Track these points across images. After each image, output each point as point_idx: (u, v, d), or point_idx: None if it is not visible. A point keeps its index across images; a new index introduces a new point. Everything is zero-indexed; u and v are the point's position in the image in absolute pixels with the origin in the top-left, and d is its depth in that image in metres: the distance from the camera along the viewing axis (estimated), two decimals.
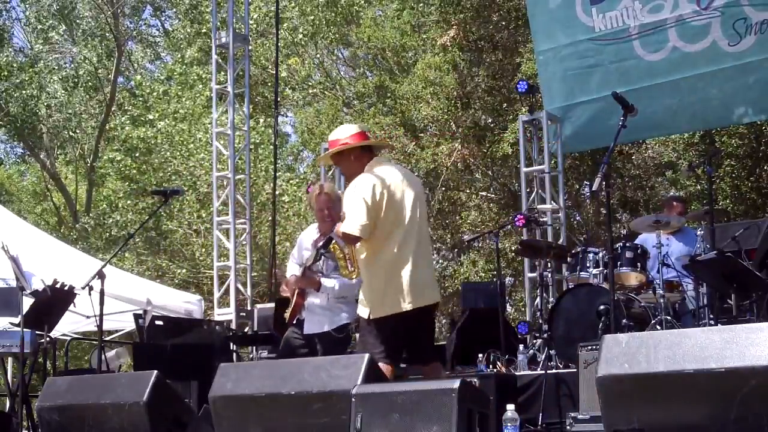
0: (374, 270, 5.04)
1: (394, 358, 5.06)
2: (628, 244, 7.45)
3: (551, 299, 8.10)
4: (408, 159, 15.36)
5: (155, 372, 5.16)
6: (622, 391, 3.81)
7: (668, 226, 7.49)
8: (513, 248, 12.69)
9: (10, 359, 9.14)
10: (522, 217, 8.44)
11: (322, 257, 5.59)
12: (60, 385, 5.54)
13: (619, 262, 7.29)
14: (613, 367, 3.83)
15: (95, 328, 6.78)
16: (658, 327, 6.63)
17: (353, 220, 4.94)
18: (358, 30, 18.14)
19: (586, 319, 6.76)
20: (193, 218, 17.65)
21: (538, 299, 8.44)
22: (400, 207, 5.05)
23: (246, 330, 9.61)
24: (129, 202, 18.89)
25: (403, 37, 17.30)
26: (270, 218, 16.18)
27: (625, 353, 3.83)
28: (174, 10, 23.52)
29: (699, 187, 13.20)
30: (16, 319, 6.91)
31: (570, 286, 7.69)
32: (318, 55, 20.41)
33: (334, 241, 5.18)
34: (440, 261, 17.50)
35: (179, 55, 21.56)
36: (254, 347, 9.37)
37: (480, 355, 7.14)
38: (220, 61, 10.92)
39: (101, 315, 6.23)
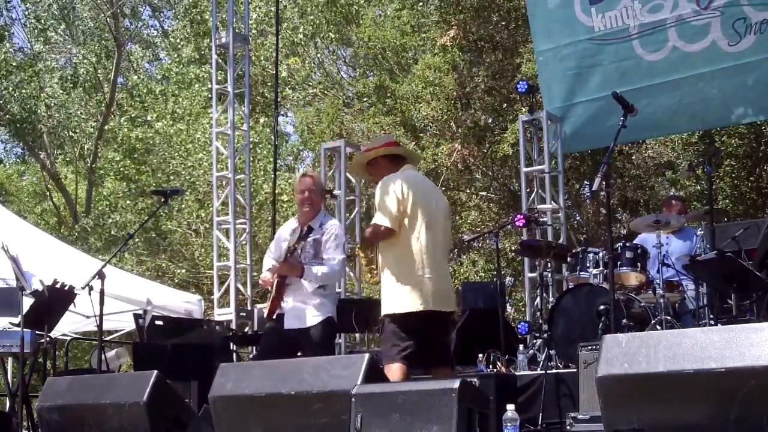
0: (401, 268, 5.11)
1: (409, 358, 5.10)
2: (628, 244, 7.45)
3: (551, 299, 8.10)
4: None
5: (155, 372, 5.16)
6: (622, 391, 3.81)
7: (668, 225, 7.49)
8: (513, 248, 12.70)
9: (10, 359, 9.14)
10: (522, 217, 8.44)
11: (308, 238, 5.64)
12: (60, 385, 5.54)
13: (619, 262, 7.29)
14: (613, 367, 3.83)
15: (95, 328, 6.78)
16: (658, 327, 6.63)
17: (383, 212, 5.08)
18: (358, 30, 18.14)
19: (586, 319, 6.76)
20: (193, 218, 17.65)
21: (538, 299, 8.44)
22: (431, 213, 5.22)
23: (246, 330, 9.61)
24: (128, 202, 18.89)
25: (403, 37, 17.30)
26: (269, 218, 16.20)
27: (625, 353, 3.83)
28: (173, 10, 23.56)
29: (699, 187, 13.20)
30: (16, 319, 6.91)
31: (570, 286, 7.69)
32: (318, 55, 20.41)
33: (358, 244, 5.26)
34: None
35: (176, 55, 21.57)
36: (254, 347, 9.37)
37: (480, 355, 7.14)
38: (220, 61, 10.92)
39: (101, 315, 6.23)
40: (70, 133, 22.18)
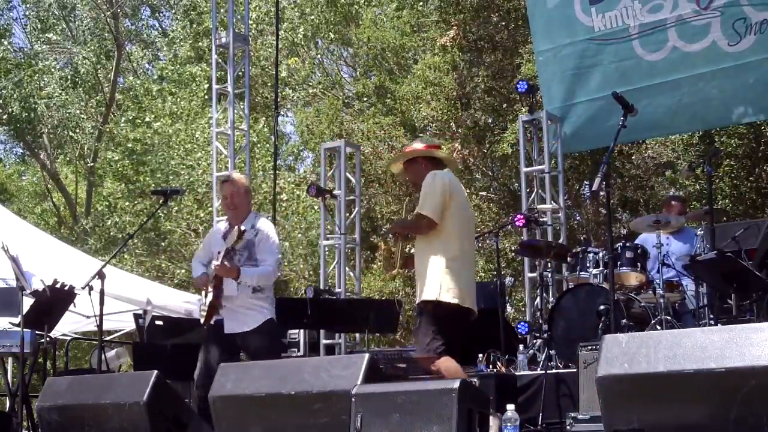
0: (438, 259, 5.19)
1: (451, 350, 5.18)
2: (628, 244, 7.45)
3: (551, 299, 8.10)
4: None
5: (155, 372, 5.17)
6: (622, 391, 3.81)
7: (668, 226, 7.49)
8: (513, 248, 12.69)
9: (10, 359, 9.14)
10: (522, 217, 8.44)
11: (242, 239, 5.64)
12: (60, 385, 5.54)
13: (619, 262, 7.29)
14: (613, 367, 3.83)
15: (95, 328, 6.78)
16: (658, 327, 6.63)
17: (429, 204, 5.18)
18: (358, 31, 18.15)
19: (586, 319, 6.76)
20: (192, 218, 17.64)
21: (538, 299, 8.44)
22: (468, 218, 5.47)
23: None
24: (127, 203, 18.88)
25: (403, 37, 17.30)
26: (268, 218, 16.20)
27: (625, 353, 3.83)
28: (172, 11, 23.57)
29: (698, 187, 13.20)
30: (16, 319, 6.91)
31: (570, 286, 7.69)
32: (318, 55, 20.41)
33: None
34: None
35: (171, 55, 21.58)
36: None
37: (480, 355, 7.13)
38: (220, 61, 10.92)
39: (101, 315, 6.24)
40: (70, 133, 22.17)
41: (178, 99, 19.22)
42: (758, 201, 13.13)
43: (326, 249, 10.54)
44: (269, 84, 18.92)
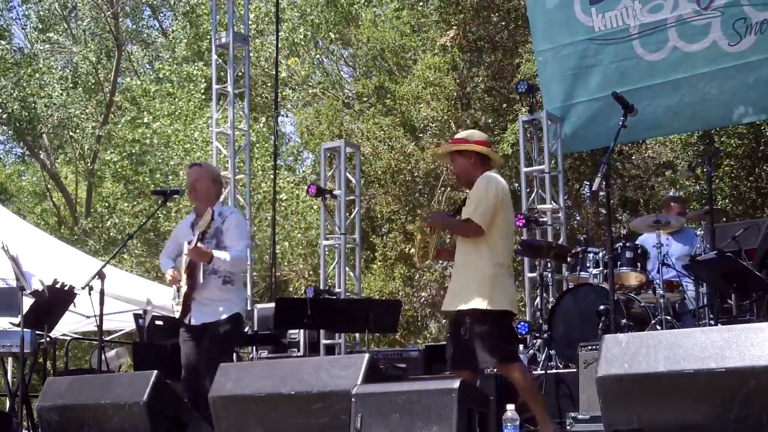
0: (486, 266, 5.10)
1: (517, 356, 5.20)
2: (628, 244, 7.45)
3: (551, 299, 8.10)
4: (408, 159, 15.37)
5: (155, 372, 5.17)
6: (622, 391, 3.81)
7: (668, 226, 7.49)
8: (513, 248, 12.67)
9: (10, 359, 9.15)
10: (522, 217, 8.44)
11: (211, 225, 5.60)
12: (60, 385, 5.54)
13: (619, 262, 7.29)
14: (613, 367, 3.83)
15: (95, 328, 6.78)
16: (658, 327, 6.63)
17: (479, 210, 5.08)
18: (358, 31, 18.14)
19: (586, 319, 6.76)
20: None
21: (538, 299, 8.44)
22: (511, 223, 5.39)
23: (246, 330, 9.60)
24: (126, 204, 18.87)
25: (403, 37, 17.30)
26: (267, 217, 16.20)
27: (625, 353, 3.83)
28: (171, 11, 23.58)
29: (698, 187, 13.20)
30: (16, 319, 6.91)
31: (570, 286, 7.69)
32: (318, 56, 20.41)
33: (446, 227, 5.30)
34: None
35: (168, 55, 21.59)
36: (254, 347, 9.37)
37: None
38: (220, 61, 10.92)
39: (101, 315, 6.23)
40: (70, 133, 22.17)
41: (176, 99, 19.21)
42: (758, 201, 13.13)
43: (326, 249, 10.54)
44: (269, 84, 18.92)
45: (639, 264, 7.34)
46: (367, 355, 4.48)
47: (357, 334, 9.85)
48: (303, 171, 20.40)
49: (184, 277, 5.78)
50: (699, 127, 10.79)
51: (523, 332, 8.05)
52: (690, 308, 7.39)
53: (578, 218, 14.90)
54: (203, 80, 19.04)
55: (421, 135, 16.14)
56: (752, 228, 7.50)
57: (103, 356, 7.39)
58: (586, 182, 8.33)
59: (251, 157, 16.80)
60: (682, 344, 3.74)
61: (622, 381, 3.80)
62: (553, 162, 9.67)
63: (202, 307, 5.76)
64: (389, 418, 4.09)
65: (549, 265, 8.12)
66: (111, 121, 21.40)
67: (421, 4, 16.88)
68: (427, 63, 15.44)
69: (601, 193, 5.19)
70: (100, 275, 6.18)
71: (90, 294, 6.27)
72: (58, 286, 6.75)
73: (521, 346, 7.54)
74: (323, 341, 9.34)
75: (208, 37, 16.61)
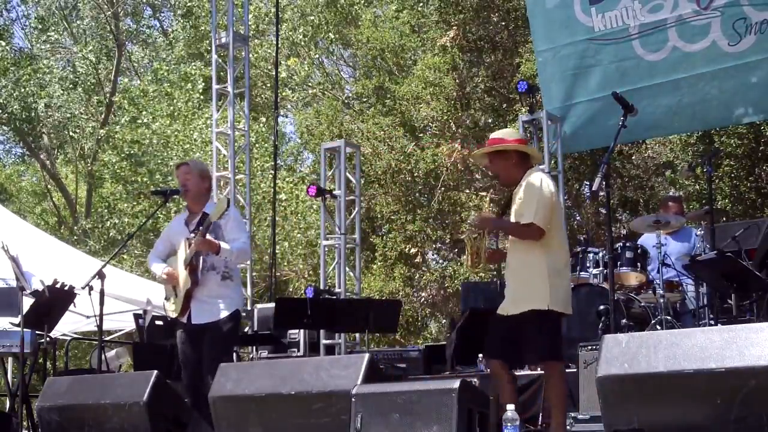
0: (545, 267, 5.03)
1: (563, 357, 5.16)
2: (628, 244, 7.45)
3: None
4: (408, 159, 15.37)
5: (155, 372, 5.17)
6: (622, 391, 3.81)
7: (668, 226, 7.49)
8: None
9: (10, 359, 9.15)
10: None
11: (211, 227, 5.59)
12: (60, 385, 5.54)
13: (619, 262, 7.29)
14: (613, 367, 3.83)
15: (95, 328, 6.78)
16: (658, 327, 6.63)
17: (540, 213, 5.00)
18: (358, 31, 18.14)
19: (586, 319, 6.75)
20: None
21: None
22: (563, 219, 5.31)
23: (246, 330, 9.61)
24: (126, 204, 18.87)
25: (402, 38, 17.30)
26: (266, 217, 16.20)
27: (625, 353, 3.83)
28: (171, 12, 23.58)
29: (698, 187, 13.19)
30: (16, 319, 6.91)
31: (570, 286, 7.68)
32: (318, 56, 20.42)
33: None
34: (440, 261, 17.51)
35: (165, 55, 21.59)
36: (254, 347, 9.37)
37: (480, 355, 7.13)
38: (220, 61, 10.93)
39: (101, 315, 6.23)
40: (70, 133, 22.17)
41: (175, 100, 19.21)
42: (758, 201, 13.12)
43: (326, 249, 10.54)
44: (268, 85, 18.92)
45: (639, 264, 7.34)
46: (367, 355, 4.48)
47: (357, 334, 9.85)
48: (302, 171, 20.39)
49: (182, 275, 5.77)
50: (699, 127, 10.79)
51: None
52: (690, 308, 7.39)
53: (578, 218, 14.90)
54: (201, 80, 19.05)
55: (421, 135, 16.13)
56: (752, 228, 7.50)
57: (103, 356, 7.39)
58: (586, 182, 8.35)
59: (251, 157, 16.86)
60: (682, 344, 3.74)
61: (622, 381, 3.80)
62: (553, 162, 9.66)
63: (202, 306, 5.75)
64: (389, 418, 4.10)
65: None
66: (111, 122, 21.40)
67: (421, 4, 16.88)
68: (427, 63, 15.43)
69: (601, 193, 5.19)
70: (100, 275, 6.18)
71: (90, 294, 6.27)
72: (58, 286, 6.75)
73: None
74: (323, 341, 9.34)
75: (208, 37, 16.61)
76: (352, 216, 10.67)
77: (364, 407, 4.18)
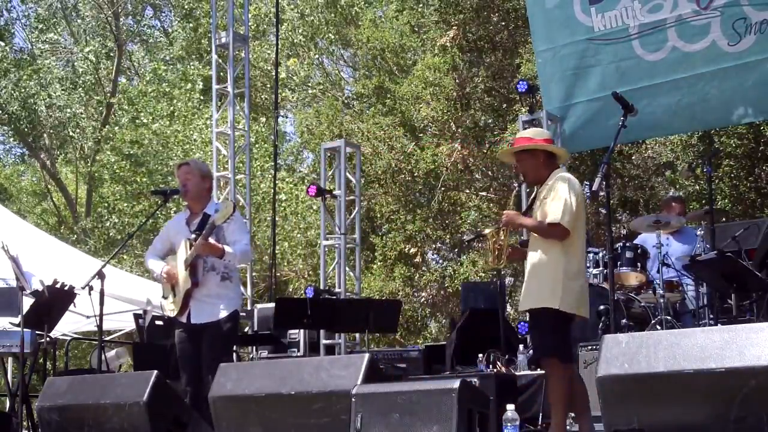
0: (562, 268, 5.04)
1: (570, 357, 5.15)
2: (628, 244, 7.45)
3: None
4: (408, 159, 15.37)
5: (155, 372, 5.17)
6: (622, 391, 3.81)
7: (668, 226, 7.49)
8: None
9: (10, 359, 9.15)
10: None
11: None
12: (60, 385, 5.54)
13: (619, 262, 7.29)
14: (613, 367, 3.83)
15: (95, 328, 6.78)
16: (658, 327, 6.63)
17: (567, 215, 5.01)
18: (358, 31, 18.15)
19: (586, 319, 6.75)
20: None
21: None
22: (585, 224, 5.28)
23: (246, 330, 9.61)
24: (126, 204, 18.87)
25: (402, 38, 17.30)
26: (266, 218, 16.20)
27: (625, 353, 3.83)
28: (172, 12, 23.57)
29: (698, 187, 13.19)
30: (16, 319, 6.91)
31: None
32: (317, 56, 20.41)
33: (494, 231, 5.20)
34: (440, 261, 17.51)
35: (164, 54, 21.57)
36: (254, 347, 9.38)
37: (480, 355, 7.13)
38: (220, 61, 10.93)
39: (101, 315, 6.23)
40: (70, 134, 22.17)
41: (174, 100, 19.20)
42: (758, 201, 13.13)
43: (326, 249, 10.55)
44: (268, 86, 18.92)
45: (639, 264, 7.34)
46: (367, 355, 4.48)
47: (357, 334, 9.85)
48: (301, 171, 20.39)
49: (181, 275, 5.77)
50: (699, 127, 10.79)
51: (523, 332, 8.05)
52: (690, 308, 7.39)
53: None
54: (200, 80, 19.04)
55: (421, 135, 16.13)
56: (752, 228, 7.51)
57: (103, 356, 7.39)
58: (586, 182, 8.33)
59: (251, 157, 16.86)
60: (682, 344, 3.74)
61: (622, 381, 3.80)
62: None
63: (202, 305, 5.75)
64: (389, 418, 4.10)
65: None
66: (111, 122, 21.40)
67: (421, 4, 16.88)
68: (427, 63, 15.43)
69: (601, 193, 5.19)
70: (100, 275, 6.18)
71: (90, 294, 6.26)
72: (58, 286, 6.75)
73: (521, 346, 7.55)
74: (323, 341, 9.34)
75: (208, 36, 16.61)
76: (352, 216, 10.67)
77: (364, 407, 4.18)
